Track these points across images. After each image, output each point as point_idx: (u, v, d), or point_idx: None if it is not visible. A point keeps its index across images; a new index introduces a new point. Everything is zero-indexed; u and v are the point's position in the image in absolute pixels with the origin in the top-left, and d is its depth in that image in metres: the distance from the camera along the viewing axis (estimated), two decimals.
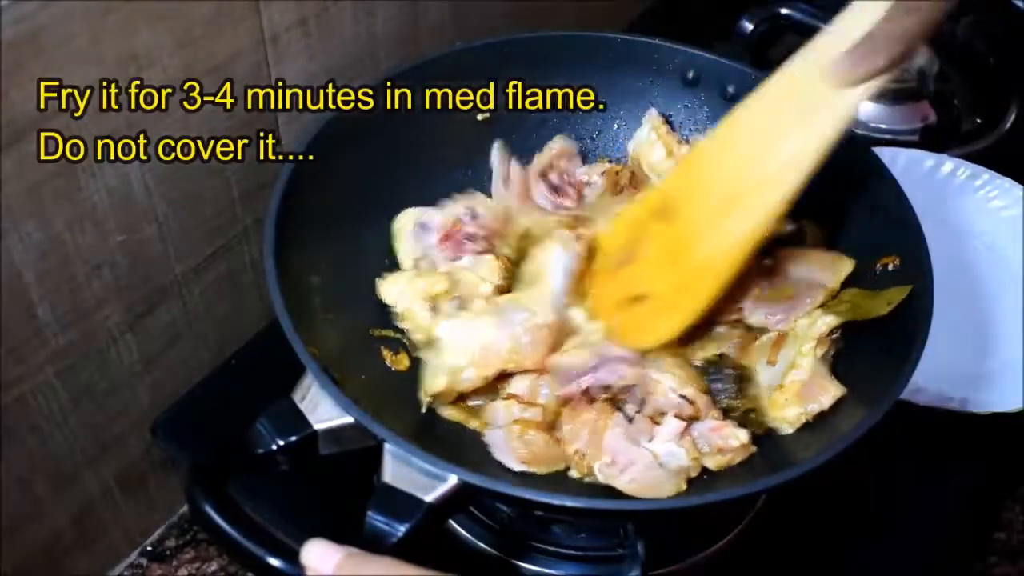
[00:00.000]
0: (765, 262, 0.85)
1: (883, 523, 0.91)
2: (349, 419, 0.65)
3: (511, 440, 0.73)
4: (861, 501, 0.93)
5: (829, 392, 0.75)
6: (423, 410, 0.77)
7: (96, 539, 0.89)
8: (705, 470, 0.74)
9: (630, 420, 0.75)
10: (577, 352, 0.75)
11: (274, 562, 0.58)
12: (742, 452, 0.74)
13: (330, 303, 0.80)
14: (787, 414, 0.76)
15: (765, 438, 0.76)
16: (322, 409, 0.66)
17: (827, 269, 0.83)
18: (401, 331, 0.82)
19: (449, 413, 0.78)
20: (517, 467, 0.72)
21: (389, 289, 0.83)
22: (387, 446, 0.62)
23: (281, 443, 0.65)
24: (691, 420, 0.74)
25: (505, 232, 0.89)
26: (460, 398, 0.78)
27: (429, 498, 0.61)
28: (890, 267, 0.79)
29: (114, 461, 0.87)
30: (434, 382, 0.75)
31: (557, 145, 0.94)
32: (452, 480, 0.61)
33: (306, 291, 0.77)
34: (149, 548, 0.94)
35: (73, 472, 0.83)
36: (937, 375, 0.96)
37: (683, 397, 0.74)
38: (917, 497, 0.94)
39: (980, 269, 1.13)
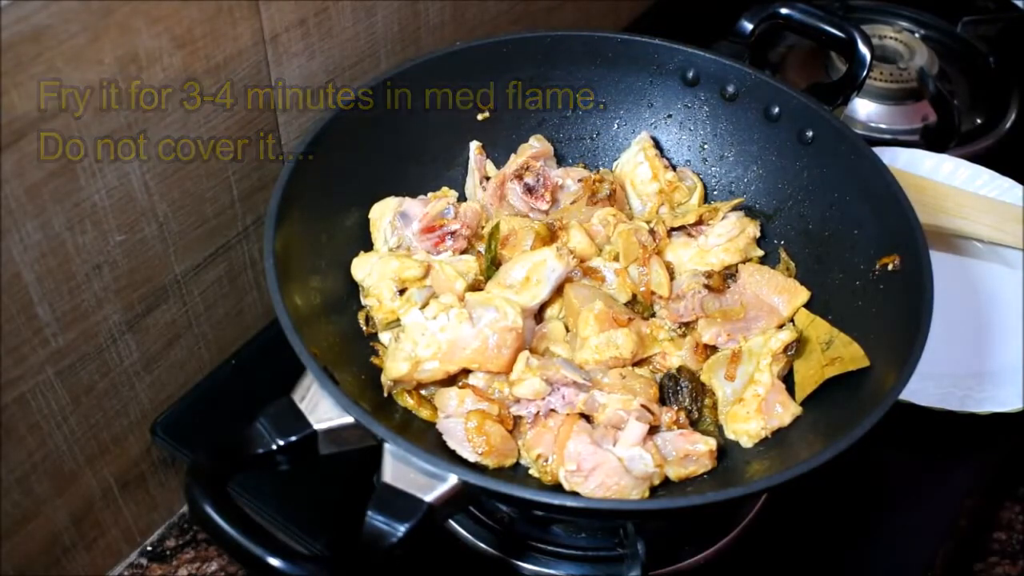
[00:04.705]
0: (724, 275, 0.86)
1: (883, 523, 0.91)
2: (349, 419, 0.65)
3: (469, 431, 0.73)
4: (861, 501, 0.93)
5: (789, 410, 0.77)
6: (385, 394, 0.77)
7: (96, 539, 0.89)
8: (666, 481, 0.74)
9: (593, 426, 0.75)
10: (529, 381, 0.75)
11: (274, 562, 0.58)
12: (708, 459, 0.74)
13: (330, 303, 0.80)
14: (749, 427, 0.77)
15: (723, 451, 0.77)
16: (322, 409, 0.66)
17: (783, 295, 0.84)
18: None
19: (402, 400, 0.78)
20: (473, 457, 0.73)
21: (361, 265, 0.83)
22: (387, 446, 0.62)
23: (281, 443, 0.65)
24: (652, 427, 0.75)
25: (480, 232, 0.89)
26: (416, 386, 0.78)
27: (429, 498, 0.61)
28: (890, 267, 0.79)
29: (114, 461, 0.87)
30: (395, 367, 0.75)
31: (535, 145, 0.93)
32: (452, 480, 0.61)
33: (306, 291, 0.77)
34: (149, 548, 0.94)
35: (73, 472, 0.83)
36: (937, 375, 0.96)
37: (643, 407, 0.75)
38: (917, 497, 0.94)
39: (980, 269, 1.13)
